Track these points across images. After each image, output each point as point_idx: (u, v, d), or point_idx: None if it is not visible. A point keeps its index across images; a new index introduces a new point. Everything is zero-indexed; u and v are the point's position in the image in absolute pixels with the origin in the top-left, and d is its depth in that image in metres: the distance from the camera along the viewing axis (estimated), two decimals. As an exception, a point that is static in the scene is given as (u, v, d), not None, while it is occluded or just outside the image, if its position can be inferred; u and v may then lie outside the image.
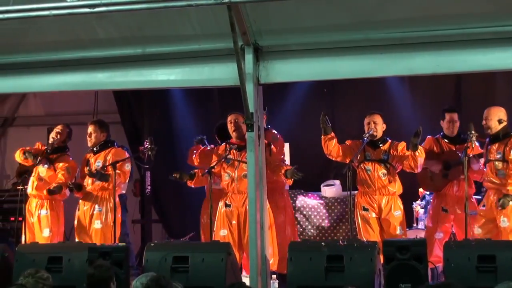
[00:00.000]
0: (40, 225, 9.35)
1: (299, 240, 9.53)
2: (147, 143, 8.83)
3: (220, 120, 9.58)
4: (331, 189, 10.63)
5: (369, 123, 8.71)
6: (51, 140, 9.43)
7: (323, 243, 7.43)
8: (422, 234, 9.19)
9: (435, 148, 8.93)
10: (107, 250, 7.40)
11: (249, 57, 7.49)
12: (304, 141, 10.90)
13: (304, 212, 10.57)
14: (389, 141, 8.77)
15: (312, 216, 10.55)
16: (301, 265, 7.11)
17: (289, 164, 9.89)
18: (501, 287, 4.90)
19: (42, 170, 9.36)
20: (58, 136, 9.43)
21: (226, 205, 8.89)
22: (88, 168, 9.21)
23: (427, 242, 7.29)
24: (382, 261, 7.12)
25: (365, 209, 8.68)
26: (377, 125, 8.69)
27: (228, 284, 6.51)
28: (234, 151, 8.86)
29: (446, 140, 8.95)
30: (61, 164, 9.39)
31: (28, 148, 9.43)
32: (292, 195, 10.50)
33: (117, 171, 8.90)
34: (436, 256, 8.39)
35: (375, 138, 8.70)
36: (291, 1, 6.99)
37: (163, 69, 7.97)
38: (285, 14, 7.25)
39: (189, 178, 9.08)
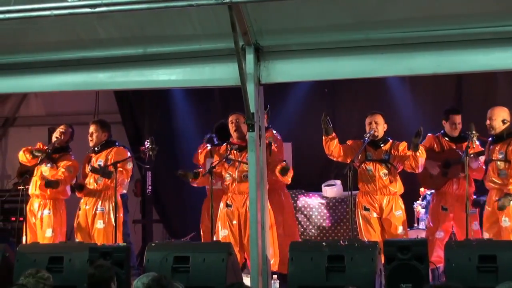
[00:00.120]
0: (42, 225, 9.36)
1: (299, 240, 9.53)
2: (148, 143, 8.83)
3: (221, 119, 9.59)
4: (332, 189, 10.63)
5: (370, 123, 8.72)
6: (54, 139, 9.45)
7: (324, 243, 7.43)
8: (423, 234, 9.20)
9: (435, 146, 8.95)
10: (108, 250, 7.39)
11: (250, 57, 7.48)
12: (305, 141, 10.91)
13: (305, 212, 10.57)
14: (390, 141, 8.78)
15: (313, 216, 10.55)
16: (302, 265, 7.10)
17: (291, 164, 9.92)
18: (502, 287, 4.90)
19: (45, 169, 9.36)
20: (62, 136, 9.45)
21: (227, 205, 8.92)
22: (90, 165, 9.21)
23: (428, 242, 7.30)
24: (383, 261, 7.12)
25: (366, 209, 8.68)
26: (378, 125, 8.69)
27: (228, 284, 6.52)
28: (235, 151, 8.87)
29: (446, 139, 8.98)
30: (63, 163, 9.41)
31: (30, 148, 9.44)
32: (293, 195, 10.51)
33: (120, 168, 8.92)
34: (437, 255, 8.40)
35: (377, 138, 8.71)
36: (292, 1, 6.99)
37: (164, 69, 7.97)
38: (286, 14, 7.25)
39: (192, 177, 9.06)
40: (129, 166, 9.26)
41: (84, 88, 8.56)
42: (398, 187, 8.71)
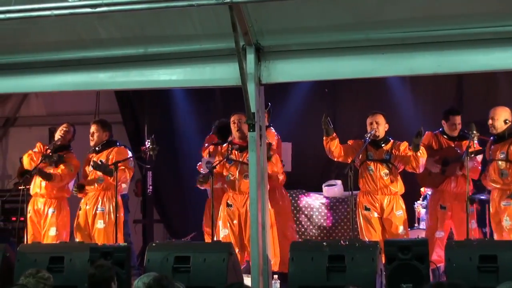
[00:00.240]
0: (46, 224, 9.39)
1: (295, 239, 9.54)
2: (149, 143, 8.83)
3: (222, 118, 9.59)
4: (333, 189, 10.63)
5: (371, 123, 8.72)
6: (57, 138, 9.44)
7: (324, 243, 7.44)
8: (423, 234, 9.20)
9: (433, 144, 8.97)
10: (109, 250, 7.40)
11: (250, 57, 7.48)
12: (305, 141, 10.91)
13: (306, 212, 10.57)
14: (392, 141, 8.78)
15: (314, 216, 10.55)
16: (302, 265, 7.11)
17: (290, 165, 9.93)
18: (502, 287, 4.90)
19: (49, 169, 9.39)
20: (65, 135, 9.46)
21: (228, 205, 8.94)
22: (93, 160, 9.20)
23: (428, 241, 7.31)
24: (383, 261, 7.12)
25: (367, 209, 8.69)
26: (379, 125, 8.70)
27: (228, 284, 6.52)
28: (236, 151, 8.88)
29: (445, 136, 9.00)
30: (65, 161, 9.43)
31: (33, 152, 9.45)
32: (294, 195, 10.52)
33: (122, 167, 8.94)
34: (438, 255, 8.41)
35: (378, 138, 8.71)
36: (292, 1, 6.99)
37: (165, 69, 7.96)
38: (286, 14, 7.24)
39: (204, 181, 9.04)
40: (130, 165, 9.27)
41: (85, 88, 8.55)
42: (399, 187, 8.71)
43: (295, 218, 10.43)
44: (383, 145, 8.75)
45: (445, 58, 7.13)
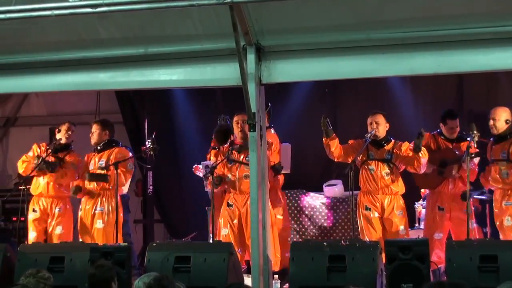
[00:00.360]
0: (53, 223, 9.43)
1: (289, 239, 9.57)
2: (149, 143, 8.85)
3: (221, 121, 9.59)
4: (333, 189, 10.63)
5: (371, 123, 8.73)
6: (61, 138, 9.43)
7: (325, 243, 7.43)
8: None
9: (431, 144, 8.96)
10: (109, 250, 7.40)
11: (251, 57, 7.47)
12: (306, 141, 10.91)
13: (306, 212, 10.57)
14: (393, 140, 8.79)
15: (314, 216, 10.55)
16: (303, 265, 7.10)
17: (290, 165, 9.93)
18: (503, 287, 4.90)
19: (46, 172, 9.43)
20: (70, 136, 9.48)
21: (228, 205, 8.96)
22: (87, 173, 9.23)
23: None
24: (384, 261, 7.12)
25: (367, 209, 8.69)
26: (379, 125, 8.70)
27: (227, 284, 6.52)
28: (235, 152, 8.91)
29: (443, 138, 9.00)
30: (69, 160, 9.47)
31: (27, 156, 9.45)
32: (294, 195, 10.53)
33: (122, 169, 8.96)
34: (437, 256, 8.41)
35: (378, 138, 8.71)
36: (293, 1, 6.99)
37: (165, 69, 7.96)
38: (287, 14, 7.24)
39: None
40: (130, 167, 9.28)
41: (85, 88, 8.55)
42: (399, 186, 8.71)
43: (295, 218, 10.44)
44: (384, 144, 8.75)
45: (446, 58, 7.13)
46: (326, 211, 10.55)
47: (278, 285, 8.30)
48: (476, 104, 10.61)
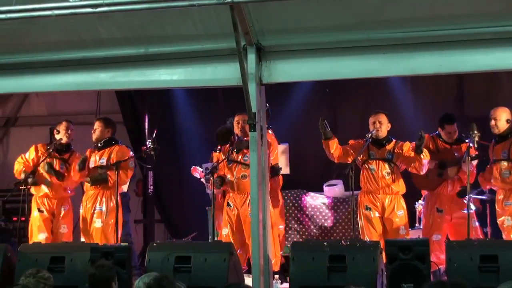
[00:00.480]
0: (58, 223, 9.47)
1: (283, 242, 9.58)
2: (150, 143, 8.85)
3: (224, 120, 9.59)
4: (334, 189, 10.63)
5: (374, 123, 8.73)
6: (61, 137, 9.44)
7: (325, 243, 7.42)
8: (423, 234, 9.19)
9: (430, 146, 8.96)
10: (110, 250, 7.41)
11: (251, 57, 7.47)
12: (306, 141, 10.91)
13: (307, 212, 10.57)
14: (394, 140, 8.79)
15: (315, 216, 10.55)
16: (303, 265, 7.10)
17: (288, 165, 9.94)
18: (503, 287, 4.89)
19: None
20: (70, 135, 9.49)
21: (228, 205, 8.98)
22: (90, 177, 9.25)
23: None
24: (384, 261, 7.11)
25: (368, 209, 8.69)
26: (382, 125, 8.71)
27: (227, 284, 6.52)
28: (234, 152, 8.93)
29: (442, 139, 8.99)
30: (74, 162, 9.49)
31: (24, 159, 9.48)
32: (295, 195, 10.53)
33: (124, 167, 8.99)
34: (436, 257, 8.41)
35: (380, 137, 8.71)
36: (293, 1, 6.99)
37: (166, 69, 7.95)
38: (287, 14, 7.24)
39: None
40: (131, 165, 9.30)
41: (86, 88, 8.55)
42: (400, 186, 8.72)
43: (296, 218, 10.44)
44: (385, 144, 8.76)
45: (446, 58, 7.13)
46: (327, 211, 10.55)
47: (279, 285, 8.31)
48: (477, 103, 10.61)
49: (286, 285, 8.11)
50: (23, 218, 9.59)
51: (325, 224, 10.50)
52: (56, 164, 9.43)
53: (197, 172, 9.78)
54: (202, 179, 9.87)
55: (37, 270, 5.94)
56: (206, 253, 7.36)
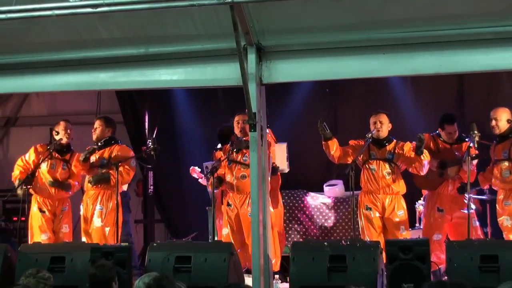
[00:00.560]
0: (60, 222, 9.49)
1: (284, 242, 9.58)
2: (150, 143, 8.85)
3: (224, 120, 9.59)
4: (334, 189, 10.63)
5: (375, 123, 8.73)
6: (64, 139, 9.44)
7: (325, 243, 7.42)
8: (424, 234, 9.19)
9: (431, 145, 8.97)
10: (110, 250, 7.41)
11: (251, 57, 7.47)
12: (306, 141, 10.89)
13: (307, 212, 10.57)
14: (394, 140, 8.80)
15: (315, 216, 10.55)
16: (303, 265, 7.10)
17: (287, 164, 9.94)
18: (504, 287, 4.89)
19: (60, 172, 9.46)
20: (69, 132, 9.50)
21: (228, 204, 9.00)
22: (92, 177, 9.25)
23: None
24: (384, 261, 7.11)
25: (368, 209, 8.70)
26: (383, 125, 8.72)
27: (226, 284, 6.53)
28: (234, 152, 8.93)
29: (442, 139, 8.99)
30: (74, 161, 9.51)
31: (26, 170, 9.49)
32: (295, 195, 10.53)
33: (126, 166, 9.01)
34: (437, 257, 8.41)
35: (380, 137, 8.72)
36: (294, 1, 6.98)
37: (166, 69, 7.95)
38: (288, 14, 7.24)
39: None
40: (133, 164, 9.30)
41: (86, 88, 8.55)
42: (401, 186, 8.72)
43: (296, 218, 10.44)
44: (386, 144, 8.76)
45: (447, 58, 7.12)
46: (327, 211, 10.54)
47: (279, 285, 8.30)
48: (477, 103, 10.61)
49: (286, 285, 8.11)
50: (23, 218, 9.59)
51: (326, 224, 10.50)
52: (59, 166, 9.43)
53: (195, 172, 9.78)
54: (200, 180, 9.87)
55: (37, 270, 5.94)
56: (206, 253, 7.36)
